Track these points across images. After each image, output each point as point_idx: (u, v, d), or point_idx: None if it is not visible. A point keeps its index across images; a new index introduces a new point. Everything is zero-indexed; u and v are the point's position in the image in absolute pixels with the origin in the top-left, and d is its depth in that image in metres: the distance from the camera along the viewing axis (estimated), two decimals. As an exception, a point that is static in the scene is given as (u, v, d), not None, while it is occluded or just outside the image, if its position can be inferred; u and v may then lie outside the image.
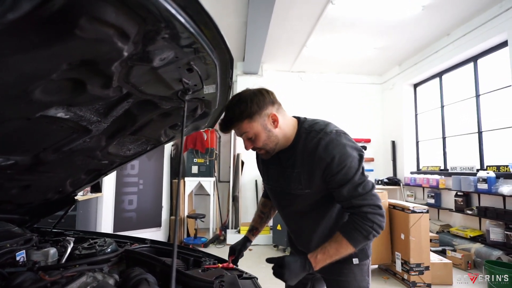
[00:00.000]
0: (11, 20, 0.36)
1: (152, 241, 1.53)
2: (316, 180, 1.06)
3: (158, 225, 4.88)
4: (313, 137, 1.07)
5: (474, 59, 4.24)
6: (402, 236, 3.07)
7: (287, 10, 3.83)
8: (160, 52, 0.68)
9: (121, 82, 0.78)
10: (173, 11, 0.53)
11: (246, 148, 1.13)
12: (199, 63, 0.83)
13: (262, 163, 1.28)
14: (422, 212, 2.97)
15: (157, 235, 4.86)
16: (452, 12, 3.81)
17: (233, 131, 1.13)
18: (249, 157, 5.86)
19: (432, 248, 3.30)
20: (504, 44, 3.68)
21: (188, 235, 4.97)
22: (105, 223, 4.13)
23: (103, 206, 4.12)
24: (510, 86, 3.50)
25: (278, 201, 1.26)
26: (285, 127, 1.11)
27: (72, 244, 1.33)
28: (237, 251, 1.36)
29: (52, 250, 1.20)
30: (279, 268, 1.01)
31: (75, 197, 1.52)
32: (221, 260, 1.35)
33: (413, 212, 2.97)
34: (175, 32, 0.61)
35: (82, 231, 1.61)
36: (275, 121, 1.08)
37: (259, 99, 1.06)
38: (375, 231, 1.00)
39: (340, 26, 4.26)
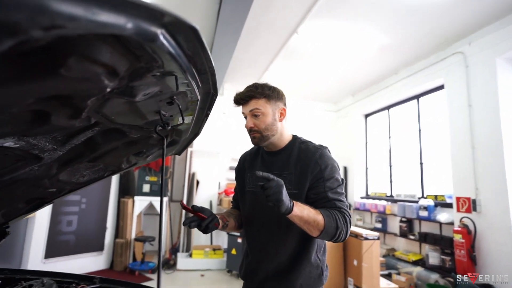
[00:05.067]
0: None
1: (102, 280, 1.34)
2: (304, 182, 1.15)
3: (100, 249, 4.41)
4: (310, 146, 1.22)
5: (417, 97, 4.74)
6: (355, 262, 3.17)
7: (254, 36, 3.92)
8: (145, 88, 0.61)
9: (91, 112, 0.68)
10: (174, 52, 0.47)
11: (247, 125, 1.20)
12: (182, 97, 0.78)
13: (249, 168, 1.33)
14: (374, 239, 3.13)
15: (98, 260, 4.38)
16: (401, 54, 4.26)
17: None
18: (205, 177, 5.70)
19: (380, 272, 3.45)
20: (441, 87, 4.18)
21: (135, 259, 4.57)
22: (35, 248, 3.62)
23: (34, 228, 3.62)
24: (447, 124, 3.95)
25: (259, 204, 1.23)
26: (284, 129, 1.26)
27: (-2, 289, 1.11)
28: (209, 214, 1.11)
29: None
30: (277, 185, 0.94)
31: (7, 229, 1.28)
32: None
33: (366, 239, 3.11)
34: (168, 71, 0.55)
35: (11, 270, 1.35)
36: (282, 115, 1.23)
37: (279, 92, 1.25)
38: (344, 232, 1.08)
39: (302, 55, 4.47)
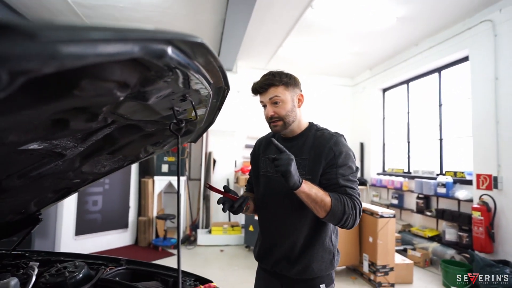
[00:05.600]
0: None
1: (128, 261, 1.44)
2: (318, 168, 1.17)
3: (125, 226, 4.67)
4: (326, 133, 1.23)
5: (438, 70, 4.51)
6: (370, 239, 3.22)
7: (266, 11, 3.78)
8: (157, 92, 0.62)
9: (107, 114, 0.71)
10: (183, 62, 0.47)
11: (268, 113, 1.21)
12: (194, 94, 0.78)
13: (264, 152, 1.36)
14: (389, 217, 3.13)
15: (124, 236, 4.66)
16: (422, 25, 4.01)
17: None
18: (221, 156, 5.79)
19: (395, 247, 3.50)
20: (465, 59, 3.94)
21: (157, 236, 4.82)
22: (66, 227, 3.87)
23: (63, 209, 3.85)
24: (470, 98, 3.77)
25: (272, 187, 1.26)
26: (301, 115, 1.28)
27: (36, 271, 1.20)
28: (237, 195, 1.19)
29: (13, 281, 1.06)
30: (287, 158, 1.00)
31: (40, 216, 1.37)
32: (202, 281, 1.31)
33: (382, 217, 3.12)
34: (179, 77, 0.55)
35: (47, 252, 1.46)
36: (300, 101, 1.25)
37: (296, 79, 1.25)
38: (351, 218, 1.09)
39: (317, 30, 4.30)
